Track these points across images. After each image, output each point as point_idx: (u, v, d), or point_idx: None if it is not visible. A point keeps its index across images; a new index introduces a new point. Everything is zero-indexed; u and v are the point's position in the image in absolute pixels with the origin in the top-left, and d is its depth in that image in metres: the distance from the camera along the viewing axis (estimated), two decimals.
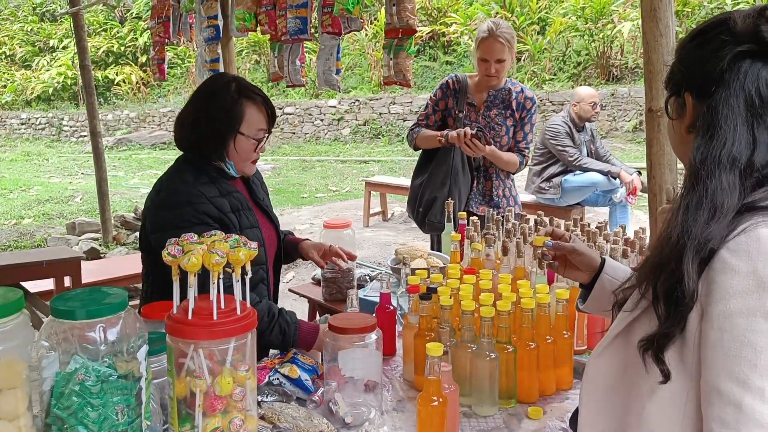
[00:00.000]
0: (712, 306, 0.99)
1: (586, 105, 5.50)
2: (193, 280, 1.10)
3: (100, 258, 6.14)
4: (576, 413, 1.48)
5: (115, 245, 6.79)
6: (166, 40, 4.31)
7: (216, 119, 2.02)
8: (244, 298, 1.15)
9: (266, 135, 2.13)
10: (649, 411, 1.08)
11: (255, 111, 2.06)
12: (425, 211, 3.36)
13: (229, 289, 1.15)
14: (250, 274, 1.14)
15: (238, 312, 1.12)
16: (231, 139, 2.03)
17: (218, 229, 1.87)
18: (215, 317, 1.09)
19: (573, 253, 1.50)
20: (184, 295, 1.16)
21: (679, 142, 1.15)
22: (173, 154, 13.85)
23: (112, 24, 18.32)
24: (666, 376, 1.03)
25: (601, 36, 12.45)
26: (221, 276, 1.11)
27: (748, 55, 1.02)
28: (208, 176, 2.06)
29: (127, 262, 4.87)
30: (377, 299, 2.14)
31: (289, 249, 2.47)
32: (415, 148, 3.47)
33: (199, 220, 1.95)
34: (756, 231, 0.97)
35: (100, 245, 6.68)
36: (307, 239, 2.55)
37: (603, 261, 1.51)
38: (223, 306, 1.12)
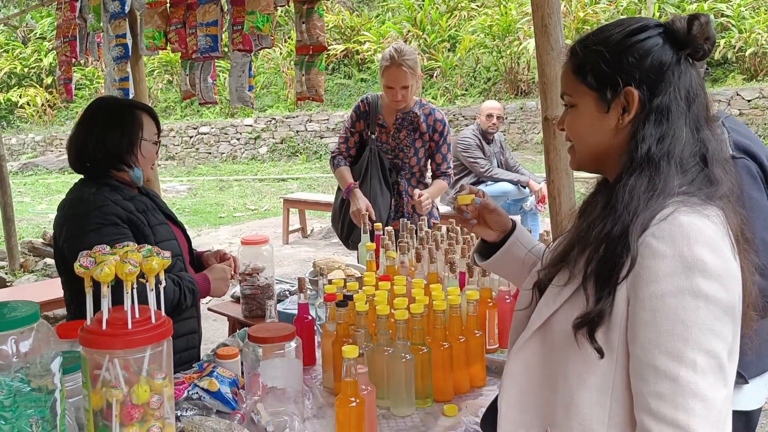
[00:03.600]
0: (642, 288, 1.07)
1: (483, 117, 5.75)
2: (106, 291, 1.11)
3: (7, 287, 5.86)
4: (488, 413, 1.55)
5: (23, 273, 6.49)
6: (73, 60, 4.21)
7: (119, 132, 2.20)
8: (158, 307, 1.16)
9: (159, 140, 2.36)
10: (579, 399, 1.14)
11: (148, 118, 2.29)
12: (349, 232, 3.42)
13: (143, 299, 1.17)
14: (164, 284, 1.16)
15: (153, 320, 1.14)
16: (137, 146, 2.22)
17: (128, 229, 2.05)
18: (130, 326, 1.10)
19: (493, 213, 1.55)
20: (98, 308, 1.16)
21: (607, 131, 1.18)
22: None
23: (14, 45, 17.53)
24: (600, 353, 1.11)
25: (508, 53, 12.93)
26: (135, 286, 1.12)
27: (685, 56, 1.16)
28: (110, 186, 2.20)
29: (36, 290, 4.68)
30: (296, 312, 2.17)
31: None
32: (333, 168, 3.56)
33: (108, 221, 2.08)
34: (678, 218, 1.07)
35: (6, 273, 6.38)
36: (208, 251, 2.62)
37: (514, 224, 1.58)
38: (138, 316, 1.13)
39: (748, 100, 10.64)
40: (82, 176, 2.27)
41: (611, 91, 1.17)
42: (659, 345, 1.05)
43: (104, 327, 1.10)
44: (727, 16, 11.58)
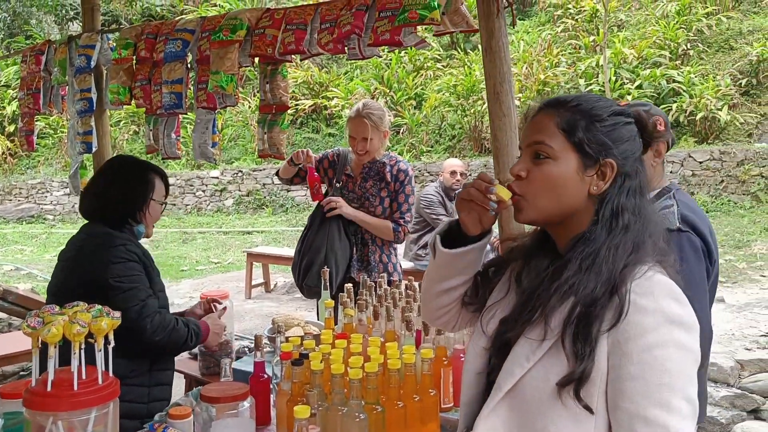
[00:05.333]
0: (629, 343, 1.13)
1: (447, 174, 5.90)
2: (53, 351, 1.10)
3: None
4: None
5: None
6: (36, 112, 4.20)
7: (134, 188, 2.47)
8: (106, 368, 1.16)
9: (166, 202, 2.62)
10: None
11: (159, 181, 2.56)
12: (303, 276, 3.44)
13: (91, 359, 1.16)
14: (113, 344, 1.16)
15: (100, 381, 1.13)
16: (147, 205, 2.48)
17: (143, 269, 2.34)
18: (76, 388, 1.10)
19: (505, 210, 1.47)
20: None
21: (580, 192, 1.26)
22: (42, 228, 13.14)
23: None
24: (590, 410, 1.14)
25: (472, 111, 13.23)
26: (83, 346, 1.12)
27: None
28: (128, 231, 2.47)
29: None
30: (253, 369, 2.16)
31: None
32: (278, 175, 3.71)
33: (130, 257, 2.33)
34: (654, 276, 1.17)
35: None
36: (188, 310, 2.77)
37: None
38: (84, 377, 1.12)
39: (700, 162, 11.05)
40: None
41: (594, 158, 1.26)
42: (649, 396, 1.11)
43: (49, 388, 1.09)
44: (679, 82, 12.08)
